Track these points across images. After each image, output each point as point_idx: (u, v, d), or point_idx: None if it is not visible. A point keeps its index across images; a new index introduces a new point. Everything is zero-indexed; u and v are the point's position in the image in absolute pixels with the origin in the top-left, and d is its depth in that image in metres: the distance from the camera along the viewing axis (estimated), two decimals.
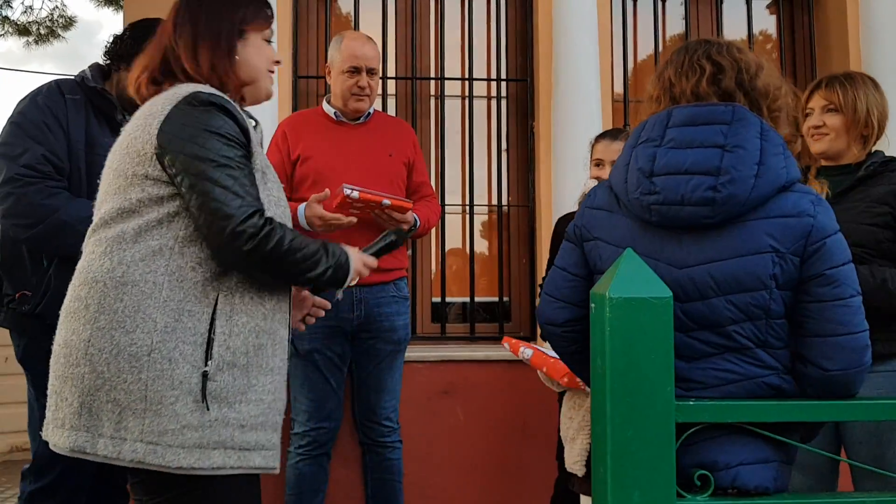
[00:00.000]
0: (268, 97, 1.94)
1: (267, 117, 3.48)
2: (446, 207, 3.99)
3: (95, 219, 1.73)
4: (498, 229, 4.02)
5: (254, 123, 1.85)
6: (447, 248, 4.02)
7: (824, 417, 1.56)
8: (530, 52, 4.00)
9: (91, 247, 1.70)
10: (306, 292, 2.07)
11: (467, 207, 3.97)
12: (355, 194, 2.67)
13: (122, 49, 2.48)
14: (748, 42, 4.12)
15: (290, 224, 1.84)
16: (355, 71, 2.95)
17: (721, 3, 4.22)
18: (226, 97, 1.74)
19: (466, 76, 4.03)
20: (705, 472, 1.43)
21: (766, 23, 4.37)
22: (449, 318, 3.99)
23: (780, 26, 4.29)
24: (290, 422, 3.04)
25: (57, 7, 10.24)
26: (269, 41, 1.91)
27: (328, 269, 1.76)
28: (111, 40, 2.55)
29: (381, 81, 3.90)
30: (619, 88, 4.11)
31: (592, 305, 1.44)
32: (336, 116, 3.04)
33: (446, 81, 4.02)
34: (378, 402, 3.06)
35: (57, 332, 1.71)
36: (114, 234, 1.66)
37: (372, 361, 3.03)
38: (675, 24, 4.28)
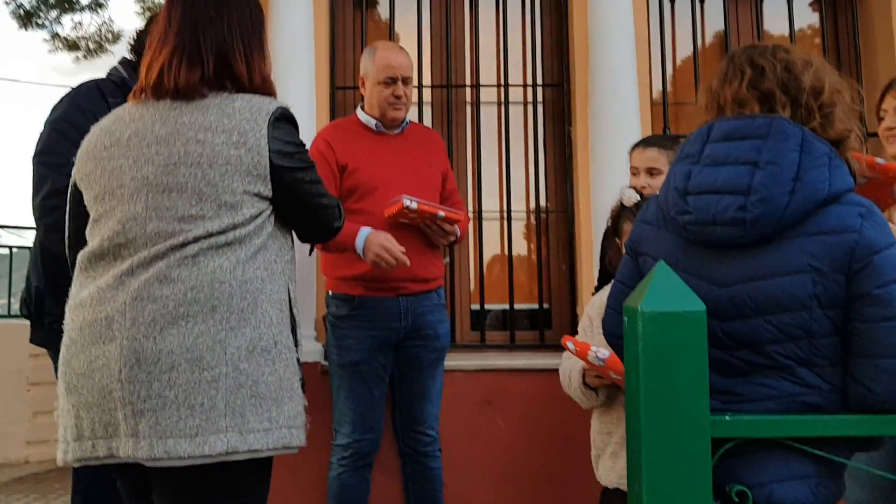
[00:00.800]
0: None
1: (304, 128, 3.51)
2: (483, 214, 3.98)
3: (194, 233, 1.67)
4: (536, 235, 3.99)
5: None
6: (485, 254, 4.00)
7: (860, 432, 1.49)
8: (566, 56, 3.97)
9: (196, 252, 1.67)
10: None
11: (505, 214, 3.95)
12: (414, 205, 2.72)
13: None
14: (790, 40, 4.04)
15: None
16: (391, 81, 2.97)
17: (761, 1, 4.14)
18: (287, 106, 1.84)
19: (502, 82, 4.01)
20: (743, 489, 1.40)
21: (810, 20, 4.28)
22: (488, 326, 3.97)
23: (824, 24, 4.19)
24: (331, 433, 3.05)
25: (105, 22, 10.47)
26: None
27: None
28: (135, 37, 2.54)
29: (416, 90, 3.92)
30: (657, 91, 4.06)
31: (626, 319, 1.41)
32: (376, 127, 3.05)
33: (481, 88, 4.01)
34: (421, 411, 3.06)
35: (139, 342, 1.61)
36: (226, 240, 1.69)
37: (415, 369, 3.03)
38: (714, 24, 4.21)
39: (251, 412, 1.63)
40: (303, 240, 1.99)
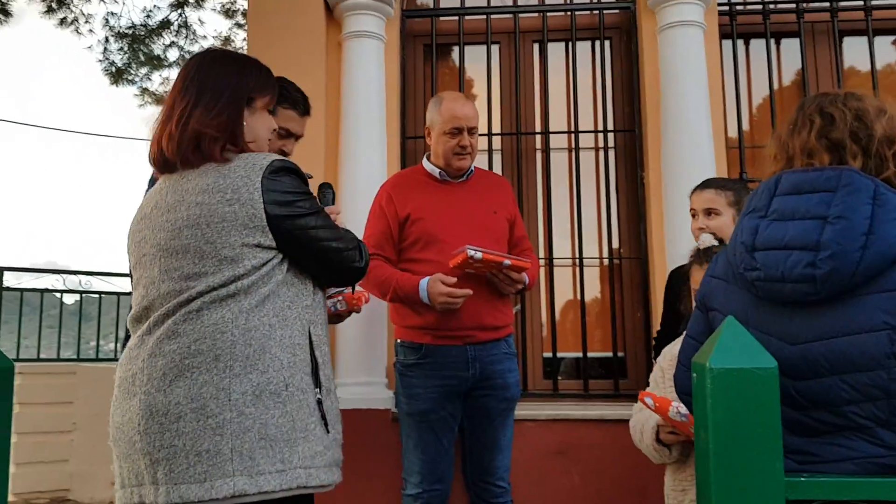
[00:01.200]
0: None
1: (375, 177, 3.57)
2: (555, 261, 3.95)
3: (197, 288, 1.76)
4: (610, 282, 3.93)
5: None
6: (557, 301, 3.96)
7: None
8: (637, 101, 3.94)
9: (200, 307, 1.75)
10: None
11: (577, 260, 3.90)
12: (479, 255, 2.72)
13: None
14: (871, 80, 3.92)
15: None
16: (457, 131, 2.99)
17: (840, 40, 4.04)
18: (286, 159, 1.91)
19: (572, 129, 4.00)
20: None
21: (892, 57, 4.15)
22: (561, 375, 3.91)
23: None
24: (401, 482, 3.03)
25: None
26: (270, 111, 2.03)
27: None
28: None
29: (486, 137, 3.95)
30: (733, 133, 3.98)
31: (694, 375, 1.36)
32: (440, 176, 3.07)
33: (551, 134, 4.01)
34: (491, 461, 3.01)
35: (152, 395, 1.71)
36: (228, 293, 1.77)
37: (485, 419, 2.99)
38: (791, 64, 4.12)
39: (261, 455, 1.68)
40: (324, 285, 2.01)
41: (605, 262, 3.98)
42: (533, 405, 3.64)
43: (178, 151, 1.85)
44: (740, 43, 4.10)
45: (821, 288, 1.44)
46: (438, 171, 3.07)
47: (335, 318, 2.57)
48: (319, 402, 1.83)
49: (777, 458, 1.26)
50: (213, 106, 1.86)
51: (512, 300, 3.16)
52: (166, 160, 1.88)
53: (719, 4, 3.96)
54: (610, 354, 3.86)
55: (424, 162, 3.13)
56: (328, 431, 1.83)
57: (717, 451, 1.27)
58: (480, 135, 3.89)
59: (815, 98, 1.66)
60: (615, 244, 3.95)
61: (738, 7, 4.04)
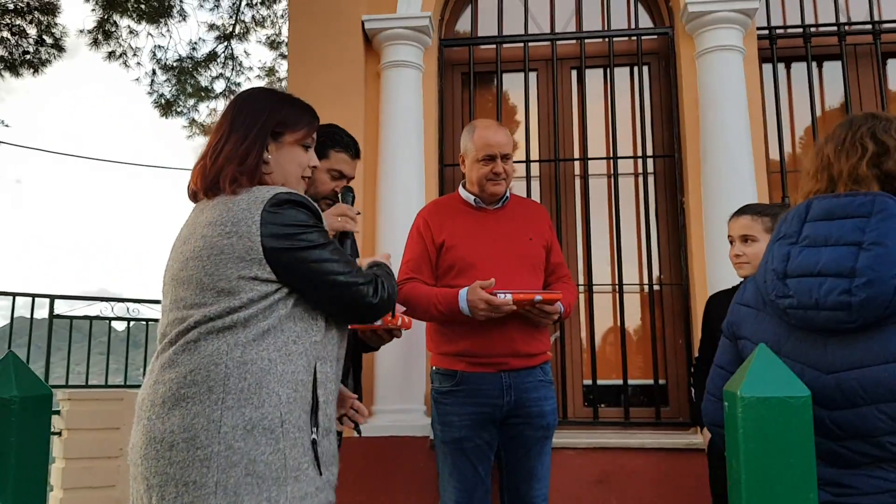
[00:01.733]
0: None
1: (413, 205, 3.60)
2: (594, 287, 3.92)
3: (195, 318, 1.77)
4: (650, 309, 3.89)
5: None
6: (597, 328, 3.92)
7: None
8: (677, 126, 3.92)
9: (197, 337, 1.76)
10: (349, 392, 2.24)
11: (617, 287, 3.87)
12: (508, 297, 2.72)
13: None
14: None
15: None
16: (490, 159, 2.99)
17: (884, 63, 3.98)
18: (295, 191, 1.87)
19: (610, 155, 3.99)
20: None
21: None
22: (601, 402, 3.86)
23: None
24: None
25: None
26: (306, 146, 2.02)
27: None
28: None
29: (524, 164, 3.96)
30: (774, 157, 3.93)
31: (725, 404, 1.34)
32: (475, 203, 3.08)
33: (590, 161, 4.00)
34: (528, 490, 2.98)
35: (153, 422, 1.73)
36: (224, 324, 1.75)
37: (521, 448, 2.96)
38: (833, 87, 4.07)
39: (246, 491, 1.64)
40: (340, 322, 1.93)
41: (646, 288, 3.94)
42: (573, 433, 3.61)
43: (202, 184, 1.89)
44: (781, 66, 4.07)
45: (857, 315, 1.40)
46: (473, 198, 3.08)
47: (376, 340, 2.58)
48: (314, 443, 1.77)
49: (811, 489, 1.23)
50: (242, 141, 1.89)
51: (550, 328, 3.14)
52: (194, 193, 1.93)
53: (759, 28, 3.93)
54: (651, 382, 3.81)
55: (460, 189, 3.14)
56: (321, 473, 1.77)
57: (749, 481, 1.25)
58: (519, 162, 3.93)
59: (867, 120, 1.62)
60: (655, 270, 3.92)
61: (779, 31, 4.01)
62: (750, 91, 3.74)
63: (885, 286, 1.38)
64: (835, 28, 3.95)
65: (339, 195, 2.64)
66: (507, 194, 3.10)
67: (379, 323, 2.48)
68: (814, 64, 4.02)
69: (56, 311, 7.43)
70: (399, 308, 2.69)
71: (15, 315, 7.56)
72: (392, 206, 3.74)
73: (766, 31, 3.97)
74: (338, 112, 3.80)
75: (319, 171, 2.55)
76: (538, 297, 2.76)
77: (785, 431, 1.24)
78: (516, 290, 2.75)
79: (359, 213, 2.54)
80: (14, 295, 7.38)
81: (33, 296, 7.51)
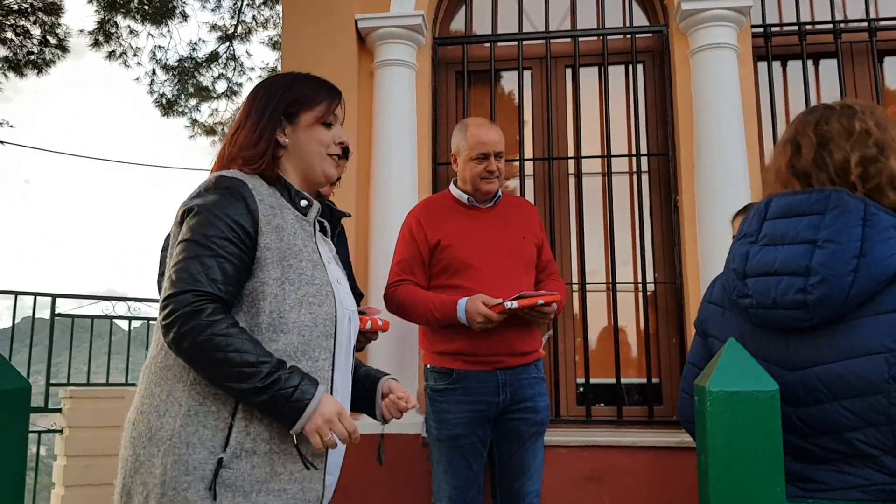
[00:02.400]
0: (328, 180, 1.94)
1: (406, 203, 3.61)
2: (588, 286, 3.92)
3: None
4: (644, 307, 3.88)
5: (304, 204, 1.85)
6: (590, 327, 3.92)
7: None
8: (670, 124, 3.91)
9: (154, 333, 1.75)
10: (394, 385, 2.07)
11: (610, 286, 3.87)
12: (515, 305, 2.75)
13: None
14: None
15: (333, 300, 1.78)
16: (484, 157, 3.00)
17: (880, 60, 3.97)
18: (246, 181, 1.73)
19: (604, 153, 3.98)
20: None
21: None
22: (594, 401, 3.86)
23: None
24: None
25: (238, 108, 11.20)
26: (328, 124, 1.90)
27: (261, 393, 1.55)
28: None
29: (518, 163, 3.96)
30: (768, 158, 3.92)
31: (696, 399, 1.35)
32: (469, 201, 3.08)
33: (584, 159, 4.00)
34: (521, 486, 2.98)
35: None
36: (161, 324, 1.66)
37: (515, 444, 2.97)
38: (829, 86, 4.06)
39: (137, 499, 1.62)
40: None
41: (640, 287, 3.93)
42: (565, 431, 3.60)
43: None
44: (776, 64, 4.05)
45: (813, 314, 1.40)
46: (466, 196, 3.08)
47: (360, 341, 2.57)
48: (220, 463, 1.58)
49: (778, 482, 1.23)
50: (255, 128, 1.82)
51: (542, 327, 3.14)
52: None
53: (754, 26, 3.92)
54: (644, 380, 3.81)
55: (452, 188, 3.14)
56: (215, 499, 1.56)
57: (716, 474, 1.25)
58: (512, 160, 3.93)
59: (797, 119, 1.63)
60: (649, 269, 3.91)
61: (774, 28, 4.00)
62: (744, 89, 3.73)
63: (839, 284, 1.37)
64: (831, 26, 3.94)
65: None
66: (500, 193, 3.11)
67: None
68: (809, 62, 4.01)
69: (59, 311, 7.46)
70: (372, 311, 2.69)
71: (20, 315, 7.60)
72: (385, 205, 3.74)
73: (762, 29, 3.96)
74: None
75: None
76: (539, 302, 2.78)
77: (752, 425, 1.25)
78: (522, 295, 2.78)
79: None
80: (16, 294, 7.41)
81: (35, 295, 7.55)
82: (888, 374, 1.35)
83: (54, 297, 7.50)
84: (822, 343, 1.42)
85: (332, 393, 1.76)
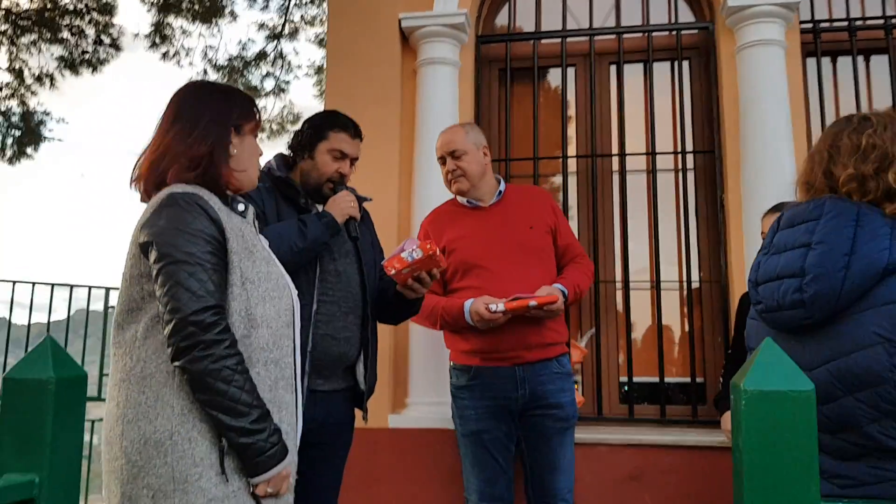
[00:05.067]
0: (253, 185, 2.03)
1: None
2: (631, 284, 3.90)
3: (113, 325, 1.84)
4: (688, 306, 3.85)
5: (242, 208, 1.97)
6: (634, 325, 3.90)
7: None
8: (716, 122, 3.87)
9: (115, 350, 1.82)
10: None
11: (655, 284, 3.85)
12: (501, 307, 2.78)
13: (303, 141, 2.70)
14: None
15: (286, 300, 1.92)
16: (442, 161, 3.11)
17: None
18: (199, 193, 1.82)
19: (649, 150, 3.96)
20: None
21: None
22: (637, 400, 3.84)
23: None
24: (464, 501, 3.05)
25: (285, 105, 11.37)
26: (256, 136, 2.03)
27: (246, 435, 1.70)
28: (293, 135, 2.78)
29: (561, 160, 3.95)
30: None
31: (731, 398, 1.35)
32: (469, 203, 3.12)
33: (628, 156, 3.98)
34: (552, 482, 2.98)
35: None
36: (129, 337, 1.79)
37: (541, 440, 2.97)
38: (880, 82, 3.97)
39: (143, 503, 1.70)
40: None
41: (684, 285, 3.90)
42: (607, 429, 3.59)
43: (151, 181, 1.92)
44: (826, 61, 3.99)
45: (811, 311, 1.49)
46: (465, 199, 3.12)
47: (417, 281, 2.55)
48: (222, 451, 1.72)
49: (813, 482, 1.23)
50: (201, 136, 1.90)
51: (563, 316, 3.12)
52: (145, 191, 1.97)
53: (802, 22, 3.86)
54: (688, 380, 3.78)
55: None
56: (228, 481, 1.72)
57: (750, 474, 1.25)
58: (555, 157, 3.94)
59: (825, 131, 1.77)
60: (694, 268, 3.88)
61: (824, 24, 3.93)
62: (792, 86, 3.68)
63: (832, 280, 1.46)
64: (881, 21, 3.86)
65: (334, 189, 2.67)
66: (502, 188, 3.12)
67: (419, 256, 2.44)
68: (860, 58, 3.93)
69: (112, 303, 7.64)
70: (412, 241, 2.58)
71: (75, 307, 7.80)
72: (427, 203, 3.76)
73: (811, 25, 3.90)
74: (375, 109, 3.86)
75: (320, 152, 2.65)
76: (533, 303, 2.79)
77: (788, 425, 1.24)
78: (509, 299, 2.80)
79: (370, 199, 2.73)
80: (71, 286, 7.61)
81: (90, 287, 7.75)
82: (889, 362, 1.41)
83: (108, 289, 7.69)
84: (829, 341, 1.50)
85: (293, 372, 1.92)
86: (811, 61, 3.93)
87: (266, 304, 1.84)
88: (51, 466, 1.57)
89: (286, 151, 2.79)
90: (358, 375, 2.66)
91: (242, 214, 1.96)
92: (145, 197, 1.90)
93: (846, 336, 1.47)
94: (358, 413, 2.75)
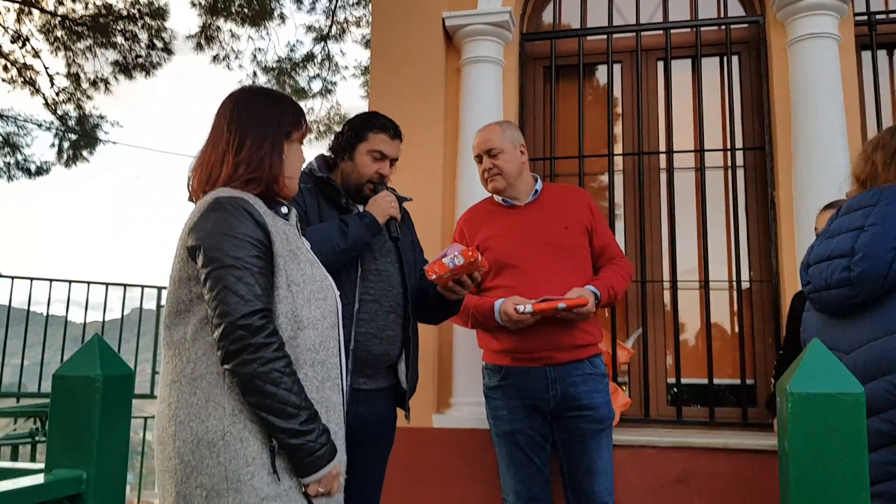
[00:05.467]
0: (295, 192, 2.04)
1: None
2: (679, 284, 3.84)
3: (162, 326, 1.88)
4: (738, 306, 3.76)
5: (285, 211, 1.99)
6: (682, 326, 3.84)
7: None
8: (767, 118, 3.78)
9: (165, 351, 1.86)
10: None
11: (703, 284, 3.77)
12: (529, 308, 2.75)
13: (343, 142, 2.71)
14: None
15: (333, 289, 1.97)
16: (479, 159, 3.09)
17: None
18: (245, 197, 1.84)
19: (698, 147, 3.88)
20: None
21: None
22: (686, 402, 3.77)
23: None
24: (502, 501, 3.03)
25: (332, 106, 11.47)
26: (302, 144, 2.05)
27: (296, 436, 1.73)
28: (334, 137, 2.79)
29: (607, 158, 3.90)
30: None
31: (777, 400, 1.31)
32: (504, 202, 3.10)
33: (675, 153, 3.91)
34: (590, 485, 2.93)
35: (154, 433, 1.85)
36: (178, 338, 1.82)
37: (577, 442, 2.93)
38: None
39: (198, 501, 1.73)
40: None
41: (734, 285, 3.82)
42: (655, 432, 3.54)
43: (204, 184, 1.95)
44: (882, 54, 3.87)
45: (858, 290, 1.52)
46: (501, 197, 3.09)
47: (458, 284, 2.54)
48: (272, 451, 1.74)
49: (863, 487, 1.18)
50: (259, 143, 1.93)
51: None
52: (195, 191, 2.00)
53: (857, 14, 3.75)
54: (738, 381, 3.70)
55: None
56: (279, 480, 1.75)
57: (797, 478, 1.21)
58: (601, 156, 3.89)
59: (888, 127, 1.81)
60: (744, 267, 3.79)
61: (879, 16, 3.81)
62: (846, 80, 3.58)
63: (880, 260, 1.49)
64: None
65: (374, 190, 2.68)
66: (539, 186, 3.09)
67: (461, 262, 2.43)
68: None
69: (164, 302, 7.78)
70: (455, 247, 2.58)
71: (129, 306, 7.98)
72: (472, 202, 3.73)
73: (865, 17, 3.79)
74: (419, 108, 3.86)
75: (360, 154, 2.65)
76: (562, 305, 2.76)
77: (835, 428, 1.20)
78: (538, 300, 2.78)
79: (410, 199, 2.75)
80: (125, 286, 7.79)
81: (143, 287, 7.91)
82: None
83: (160, 289, 7.84)
84: (869, 323, 1.53)
85: (339, 372, 1.94)
86: (866, 54, 3.82)
87: (311, 306, 1.87)
88: (98, 463, 1.60)
89: (327, 153, 2.81)
90: (400, 374, 2.66)
91: (286, 217, 1.98)
92: (195, 199, 1.93)
93: (882, 319, 1.50)
94: (400, 412, 2.75)
